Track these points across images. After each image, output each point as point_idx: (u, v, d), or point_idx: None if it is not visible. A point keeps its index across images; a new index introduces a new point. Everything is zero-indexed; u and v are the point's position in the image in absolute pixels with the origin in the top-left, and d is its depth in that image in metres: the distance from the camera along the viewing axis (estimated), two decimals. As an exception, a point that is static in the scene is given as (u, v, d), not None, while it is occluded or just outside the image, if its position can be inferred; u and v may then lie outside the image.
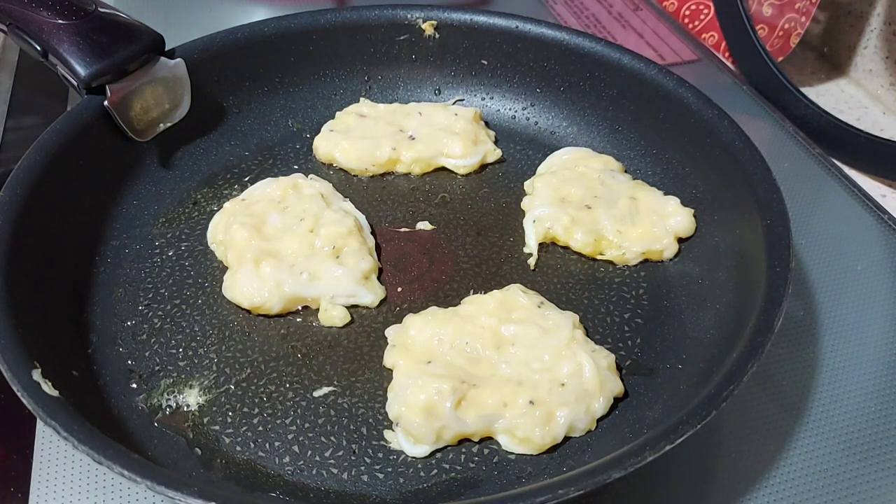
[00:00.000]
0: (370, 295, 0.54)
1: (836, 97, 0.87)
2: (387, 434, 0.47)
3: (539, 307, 0.51)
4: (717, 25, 0.89)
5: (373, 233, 0.59)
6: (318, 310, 0.54)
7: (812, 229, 0.65)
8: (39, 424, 0.50)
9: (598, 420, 0.47)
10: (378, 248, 0.58)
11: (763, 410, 0.52)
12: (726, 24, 0.87)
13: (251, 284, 0.53)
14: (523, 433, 0.45)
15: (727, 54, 0.89)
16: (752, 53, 0.82)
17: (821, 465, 0.49)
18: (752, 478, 0.48)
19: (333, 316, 0.53)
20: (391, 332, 0.52)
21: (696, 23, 0.92)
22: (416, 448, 0.46)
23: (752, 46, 0.82)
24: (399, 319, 0.52)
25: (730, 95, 0.79)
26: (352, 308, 0.54)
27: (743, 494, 0.48)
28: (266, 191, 0.60)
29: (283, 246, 0.55)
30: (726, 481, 0.49)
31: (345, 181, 0.64)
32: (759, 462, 0.49)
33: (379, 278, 0.56)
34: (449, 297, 0.55)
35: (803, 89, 0.81)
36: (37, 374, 0.42)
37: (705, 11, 0.90)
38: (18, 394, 0.40)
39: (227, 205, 0.59)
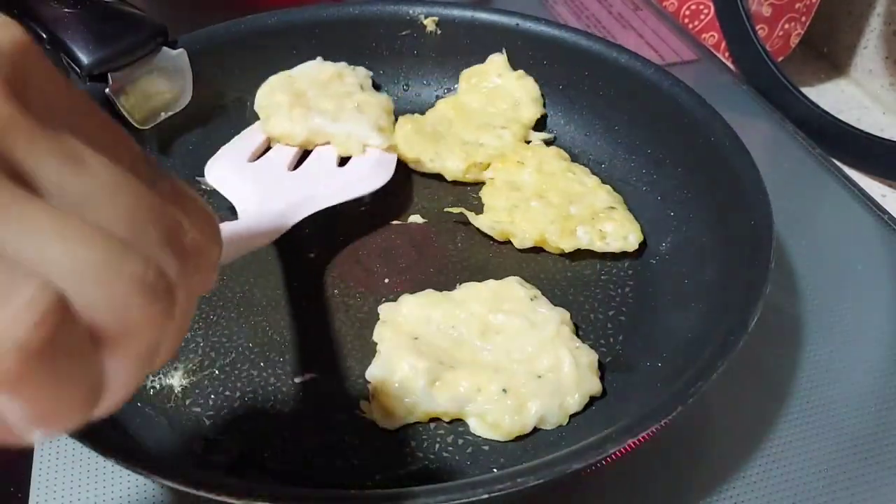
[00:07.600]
0: (381, 138, 0.61)
1: (836, 97, 0.86)
2: (363, 405, 0.48)
3: (532, 301, 0.52)
4: (717, 25, 0.89)
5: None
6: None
7: (812, 229, 0.64)
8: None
9: (573, 416, 0.47)
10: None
11: (764, 411, 0.52)
12: (726, 24, 0.86)
13: (282, 124, 0.62)
14: (493, 419, 0.46)
15: (727, 54, 0.88)
16: (752, 53, 0.82)
17: (822, 465, 0.49)
18: (745, 476, 0.48)
19: (349, 147, 0.61)
20: (384, 309, 0.52)
21: (696, 23, 0.91)
22: (386, 421, 0.47)
23: (752, 46, 0.82)
24: (383, 310, 0.53)
25: (730, 95, 0.78)
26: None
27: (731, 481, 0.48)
28: (311, 72, 0.66)
29: (318, 105, 0.63)
30: (716, 471, 0.49)
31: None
32: (756, 462, 0.49)
33: (371, 269, 0.57)
34: (437, 289, 0.55)
35: (803, 89, 0.80)
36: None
37: (705, 11, 0.90)
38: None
39: (271, 78, 0.65)
